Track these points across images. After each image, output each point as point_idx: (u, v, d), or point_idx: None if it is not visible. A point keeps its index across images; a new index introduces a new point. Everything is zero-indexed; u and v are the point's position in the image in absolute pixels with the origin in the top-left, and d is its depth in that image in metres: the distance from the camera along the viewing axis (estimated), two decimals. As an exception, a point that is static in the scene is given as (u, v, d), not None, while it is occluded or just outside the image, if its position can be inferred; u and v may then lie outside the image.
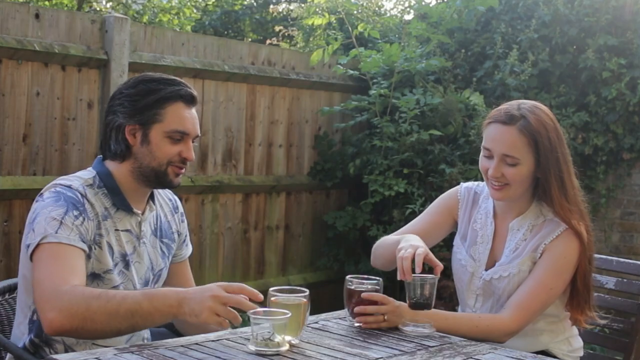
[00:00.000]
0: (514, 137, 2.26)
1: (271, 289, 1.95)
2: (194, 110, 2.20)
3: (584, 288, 2.31)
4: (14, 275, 2.24)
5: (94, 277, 2.07)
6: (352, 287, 2.17)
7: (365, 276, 2.22)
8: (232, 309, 1.85)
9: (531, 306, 2.26)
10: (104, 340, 2.11)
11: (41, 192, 2.11)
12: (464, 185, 2.54)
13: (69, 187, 2.09)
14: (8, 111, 3.91)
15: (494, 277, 2.35)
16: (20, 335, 2.15)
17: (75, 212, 2.04)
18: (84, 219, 2.05)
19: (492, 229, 2.41)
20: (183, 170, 2.18)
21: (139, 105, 2.13)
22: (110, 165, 2.17)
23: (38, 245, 1.99)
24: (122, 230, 2.15)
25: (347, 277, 2.20)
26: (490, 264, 2.39)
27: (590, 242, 2.33)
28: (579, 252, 2.28)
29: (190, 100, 2.18)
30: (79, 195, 2.07)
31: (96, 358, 1.74)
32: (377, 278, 2.20)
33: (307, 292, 1.96)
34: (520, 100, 2.37)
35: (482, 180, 2.46)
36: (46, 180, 4.10)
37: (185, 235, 2.40)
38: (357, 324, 2.16)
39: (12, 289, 2.37)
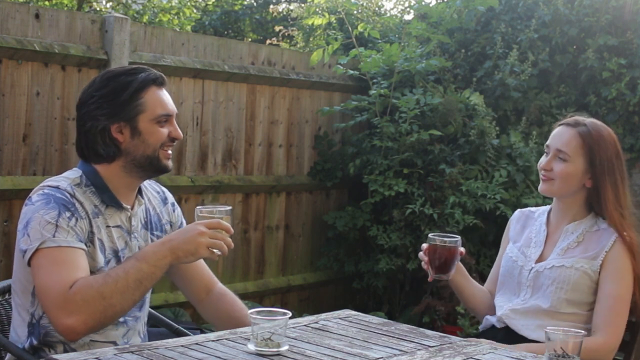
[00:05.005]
0: (571, 136, 2.48)
1: (198, 207, 2.10)
2: (165, 90, 2.22)
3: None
4: (14, 275, 2.24)
5: None
6: (437, 243, 2.34)
7: (445, 234, 2.40)
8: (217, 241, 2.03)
9: (618, 322, 2.40)
10: (105, 336, 2.12)
11: (29, 195, 2.10)
12: (519, 209, 2.76)
13: (57, 187, 2.08)
14: (8, 111, 3.90)
15: (547, 267, 2.48)
16: (17, 339, 2.14)
17: (68, 214, 2.03)
18: (77, 219, 2.04)
19: (545, 234, 2.57)
20: (171, 152, 2.21)
21: (118, 102, 2.13)
22: (97, 166, 2.17)
23: (37, 250, 1.98)
24: (113, 227, 2.16)
25: (430, 235, 2.38)
26: (540, 261, 2.53)
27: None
28: (631, 260, 2.43)
29: (161, 82, 2.20)
30: (68, 196, 2.07)
31: (96, 358, 1.74)
32: (457, 236, 2.37)
33: (230, 207, 2.12)
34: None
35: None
36: (46, 180, 4.12)
37: (181, 223, 2.40)
38: (438, 278, 2.37)
39: (13, 288, 2.37)
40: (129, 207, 2.20)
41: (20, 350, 2.08)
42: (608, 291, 2.41)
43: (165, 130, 2.17)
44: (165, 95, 2.20)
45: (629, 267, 2.43)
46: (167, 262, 2.00)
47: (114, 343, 2.13)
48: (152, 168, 2.18)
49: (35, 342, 2.10)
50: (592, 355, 2.31)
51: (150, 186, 2.36)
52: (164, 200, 2.38)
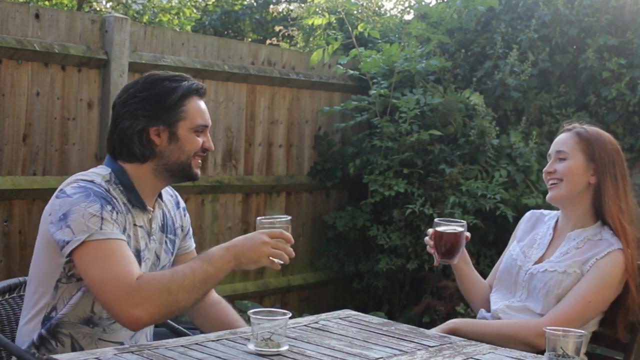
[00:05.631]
0: (567, 137, 2.55)
1: (259, 218, 2.15)
2: (204, 102, 2.27)
3: (631, 307, 2.45)
4: (14, 275, 2.24)
5: None
6: (441, 229, 2.36)
7: (450, 219, 2.41)
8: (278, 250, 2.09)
9: (568, 315, 2.38)
10: (113, 336, 2.14)
11: (60, 188, 2.10)
12: (531, 210, 2.78)
13: (92, 181, 2.10)
14: (8, 111, 3.90)
15: (540, 270, 2.49)
16: (28, 333, 2.14)
17: (109, 207, 2.05)
18: (117, 213, 2.07)
19: (550, 238, 2.58)
20: (200, 162, 2.26)
21: (161, 106, 2.16)
22: (127, 165, 2.18)
23: (83, 243, 1.98)
24: (138, 226, 2.18)
25: (436, 219, 2.40)
26: (538, 263, 2.54)
27: (633, 268, 2.45)
28: (622, 272, 2.41)
29: (203, 92, 2.26)
30: (104, 190, 2.09)
31: (96, 358, 1.74)
32: (462, 220, 2.39)
33: (290, 217, 2.16)
34: None
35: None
36: (46, 180, 4.11)
37: (189, 229, 2.44)
38: (445, 263, 2.39)
39: (12, 288, 2.37)
40: (151, 209, 2.22)
41: (20, 350, 2.08)
42: (579, 288, 2.40)
43: (200, 140, 2.21)
44: (204, 106, 2.25)
45: (614, 279, 2.41)
46: (231, 266, 2.05)
47: (121, 343, 2.13)
48: (182, 174, 2.22)
49: (44, 333, 2.10)
50: (520, 326, 2.39)
51: (164, 190, 2.37)
52: (177, 204, 2.40)
